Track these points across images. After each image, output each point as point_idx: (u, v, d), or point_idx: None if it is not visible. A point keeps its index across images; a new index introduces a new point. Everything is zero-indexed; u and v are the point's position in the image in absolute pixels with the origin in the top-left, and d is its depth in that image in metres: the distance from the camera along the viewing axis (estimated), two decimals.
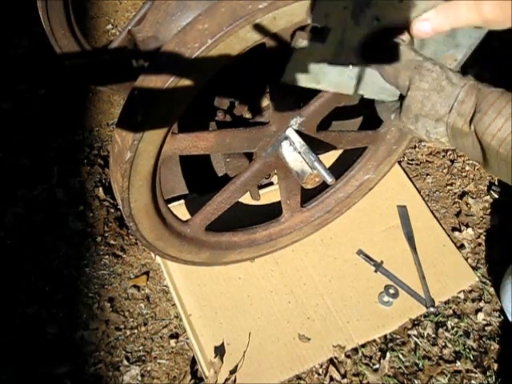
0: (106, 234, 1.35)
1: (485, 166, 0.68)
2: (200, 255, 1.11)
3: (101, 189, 1.41)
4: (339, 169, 1.26)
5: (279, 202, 1.17)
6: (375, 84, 0.78)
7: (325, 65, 0.77)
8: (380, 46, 0.72)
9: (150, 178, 0.87)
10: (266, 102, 1.05)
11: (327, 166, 1.36)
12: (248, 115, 1.06)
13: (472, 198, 1.47)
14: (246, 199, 1.23)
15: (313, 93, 0.98)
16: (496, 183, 1.50)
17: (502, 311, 1.27)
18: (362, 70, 0.77)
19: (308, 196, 1.21)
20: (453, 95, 0.66)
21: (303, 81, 0.80)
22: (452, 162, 1.54)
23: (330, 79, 0.79)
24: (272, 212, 1.21)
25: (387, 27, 0.70)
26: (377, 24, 0.70)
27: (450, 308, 1.27)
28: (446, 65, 0.72)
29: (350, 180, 1.24)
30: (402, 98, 0.71)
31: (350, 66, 0.77)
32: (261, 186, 1.36)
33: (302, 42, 0.73)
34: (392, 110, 0.75)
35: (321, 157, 0.95)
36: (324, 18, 0.70)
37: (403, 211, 1.38)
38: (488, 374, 1.18)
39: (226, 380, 1.12)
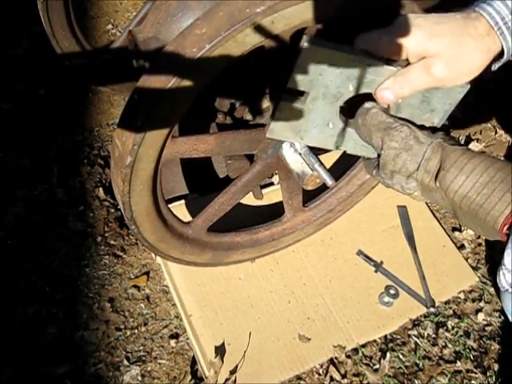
0: (106, 234, 1.35)
1: (456, 218, 0.72)
2: (202, 256, 1.11)
3: (101, 189, 1.41)
4: (341, 168, 1.26)
5: (281, 202, 1.17)
6: (356, 142, 0.83)
7: (307, 123, 0.81)
8: (354, 109, 0.78)
9: (150, 181, 0.87)
10: (266, 103, 1.05)
11: (329, 164, 1.38)
12: (249, 117, 1.06)
13: None
14: (249, 200, 1.23)
15: None
16: None
17: (502, 311, 1.27)
18: (342, 128, 0.82)
19: (310, 195, 1.21)
20: (420, 153, 0.71)
21: (287, 137, 0.85)
22: None
23: (313, 136, 0.83)
24: (274, 212, 1.21)
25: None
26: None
27: (450, 308, 1.27)
28: (427, 125, 0.79)
29: (352, 179, 1.24)
30: (378, 156, 0.76)
31: (330, 125, 0.82)
32: (263, 186, 1.36)
33: (284, 105, 0.79)
34: (373, 166, 0.79)
35: (322, 156, 0.96)
36: (308, 84, 0.76)
37: (403, 211, 1.38)
38: (488, 374, 1.18)
39: (226, 380, 1.12)
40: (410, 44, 0.70)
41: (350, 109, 0.79)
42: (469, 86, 0.76)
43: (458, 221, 0.74)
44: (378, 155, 0.76)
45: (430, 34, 0.69)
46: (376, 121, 0.75)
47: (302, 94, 0.77)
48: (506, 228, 0.65)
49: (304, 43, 0.72)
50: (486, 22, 0.70)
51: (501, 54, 0.73)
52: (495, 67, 0.76)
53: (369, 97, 0.77)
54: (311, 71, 0.75)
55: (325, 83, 0.76)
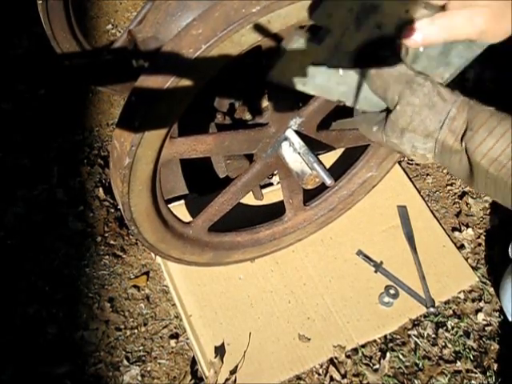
0: (106, 234, 1.35)
1: (470, 182, 0.67)
2: (203, 256, 1.11)
3: (101, 189, 1.41)
4: (342, 167, 1.25)
5: (281, 202, 1.17)
6: (364, 96, 0.76)
7: (314, 67, 0.74)
8: (373, 56, 0.70)
9: (149, 182, 0.87)
10: (265, 102, 1.05)
11: (329, 164, 1.38)
12: (248, 116, 1.06)
13: (472, 198, 1.47)
14: (249, 199, 1.23)
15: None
16: None
17: (501, 311, 1.27)
18: (351, 77, 0.75)
19: (311, 194, 1.21)
20: (444, 111, 0.65)
21: (289, 81, 0.77)
22: None
23: (316, 83, 0.76)
24: (275, 211, 1.21)
25: (386, 36, 0.68)
26: (377, 31, 0.68)
27: (450, 308, 1.27)
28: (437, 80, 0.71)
29: (353, 178, 1.24)
30: (387, 111, 0.70)
31: (340, 72, 0.75)
32: (262, 186, 1.36)
33: (297, 39, 0.70)
34: (374, 123, 0.73)
35: (322, 156, 0.95)
36: (326, 18, 0.67)
37: (403, 211, 1.38)
38: (488, 374, 1.18)
39: (226, 380, 1.12)
40: None
41: (362, 57, 0.71)
42: (488, 43, 0.69)
43: (470, 187, 0.68)
44: (388, 110, 0.70)
45: None
46: (396, 72, 0.67)
47: (320, 32, 0.69)
48: None
49: None
50: None
51: None
52: None
53: (387, 45, 0.68)
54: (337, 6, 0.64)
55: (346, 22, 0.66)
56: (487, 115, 0.64)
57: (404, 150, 0.69)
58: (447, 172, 1.52)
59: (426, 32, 0.64)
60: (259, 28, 0.74)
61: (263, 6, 0.71)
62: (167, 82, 0.74)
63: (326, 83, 0.76)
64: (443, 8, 0.64)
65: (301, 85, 0.77)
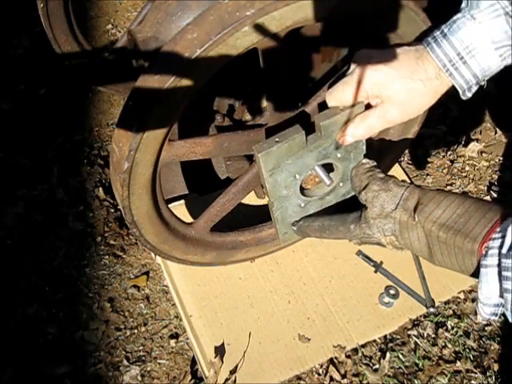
0: (106, 234, 1.35)
1: (431, 258, 0.76)
2: (206, 256, 1.11)
3: (101, 189, 1.41)
4: None
5: None
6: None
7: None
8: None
9: (149, 185, 0.87)
10: (265, 102, 1.05)
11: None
12: (248, 117, 1.06)
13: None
14: (250, 199, 1.23)
15: (311, 92, 0.98)
16: (496, 183, 1.50)
17: None
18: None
19: None
20: (398, 194, 0.77)
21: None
22: (452, 162, 1.54)
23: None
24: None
25: None
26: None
27: (450, 308, 1.27)
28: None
29: None
30: (361, 209, 0.82)
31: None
32: None
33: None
34: (350, 221, 0.83)
35: None
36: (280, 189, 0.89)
37: None
38: (488, 374, 1.18)
39: (226, 380, 1.12)
40: (367, 88, 0.79)
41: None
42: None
43: (433, 263, 0.77)
44: (360, 209, 0.82)
45: (384, 80, 0.78)
46: (363, 169, 0.85)
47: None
48: (484, 247, 0.66)
49: (256, 154, 0.80)
50: (435, 64, 0.77)
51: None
52: (466, 97, 0.81)
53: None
54: (280, 175, 0.85)
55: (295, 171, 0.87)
56: (435, 192, 0.76)
57: (375, 239, 0.80)
58: (447, 172, 1.52)
59: (354, 134, 0.83)
60: (254, 31, 0.74)
61: (257, 9, 0.72)
62: (164, 85, 0.74)
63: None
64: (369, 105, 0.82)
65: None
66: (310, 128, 0.84)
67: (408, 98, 0.79)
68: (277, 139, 0.82)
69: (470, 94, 0.81)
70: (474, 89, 0.80)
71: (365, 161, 0.88)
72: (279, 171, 0.85)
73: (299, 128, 0.83)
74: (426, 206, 0.74)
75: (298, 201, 0.92)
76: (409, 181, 1.44)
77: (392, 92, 0.79)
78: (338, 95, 0.82)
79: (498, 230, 0.66)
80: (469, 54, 0.75)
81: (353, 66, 0.82)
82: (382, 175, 0.82)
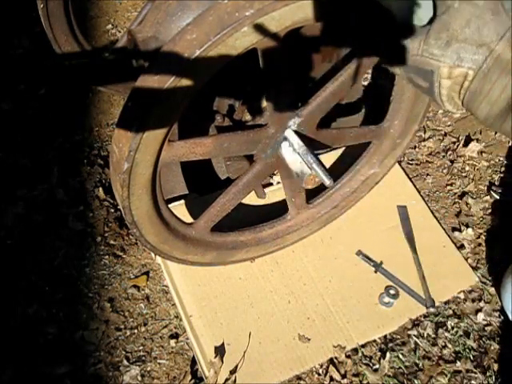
0: (106, 234, 1.35)
1: (502, 120, 0.60)
2: (206, 256, 1.11)
3: (101, 189, 1.41)
4: (344, 164, 1.25)
5: (284, 200, 1.17)
6: None
7: None
8: None
9: (149, 185, 0.87)
10: (265, 103, 1.05)
11: (331, 161, 1.38)
12: (248, 117, 1.06)
13: (472, 198, 1.47)
14: (252, 199, 1.23)
15: (310, 92, 0.98)
16: (496, 183, 1.50)
17: (502, 311, 1.27)
18: None
19: (314, 192, 1.21)
20: (506, 23, 0.57)
21: None
22: (452, 162, 1.54)
23: None
24: (278, 210, 1.21)
25: None
26: None
27: (450, 308, 1.27)
28: None
29: (356, 175, 1.24)
30: (433, 18, 0.61)
31: None
32: (264, 185, 1.36)
33: None
34: (419, 32, 0.62)
35: (324, 154, 0.95)
36: None
37: (403, 211, 1.38)
38: (488, 374, 1.18)
39: (226, 380, 1.12)
40: None
41: None
42: None
43: (495, 128, 0.60)
44: (433, 18, 0.61)
45: None
46: None
47: None
48: None
49: None
50: None
51: None
52: None
53: None
54: None
55: None
56: None
57: (443, 62, 0.61)
58: (447, 172, 1.52)
59: None
60: (253, 31, 0.74)
61: (257, 9, 0.72)
62: (164, 85, 0.74)
63: None
64: None
65: None
66: None
67: None
68: None
69: None
70: None
71: None
72: None
73: None
74: None
75: None
76: (409, 181, 1.44)
77: None
78: None
79: None
80: None
81: None
82: None
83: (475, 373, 1.19)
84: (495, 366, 1.19)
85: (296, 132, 0.97)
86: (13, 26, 1.72)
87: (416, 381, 1.17)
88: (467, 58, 0.59)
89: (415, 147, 1.57)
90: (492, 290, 1.30)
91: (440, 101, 0.66)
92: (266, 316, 1.21)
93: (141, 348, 1.20)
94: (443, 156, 1.56)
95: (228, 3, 0.72)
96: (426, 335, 1.23)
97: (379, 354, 1.20)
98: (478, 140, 1.58)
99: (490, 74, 0.59)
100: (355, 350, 1.19)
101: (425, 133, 1.60)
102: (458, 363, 1.20)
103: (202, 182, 1.32)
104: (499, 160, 1.55)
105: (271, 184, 1.40)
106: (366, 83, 1.67)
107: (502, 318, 1.27)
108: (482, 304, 1.28)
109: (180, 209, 1.28)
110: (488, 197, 1.47)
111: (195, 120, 1.07)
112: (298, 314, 1.21)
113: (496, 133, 1.60)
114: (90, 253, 1.32)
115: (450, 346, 1.22)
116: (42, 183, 1.41)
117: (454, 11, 0.59)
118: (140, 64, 1.01)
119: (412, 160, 1.54)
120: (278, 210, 1.22)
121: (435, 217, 1.39)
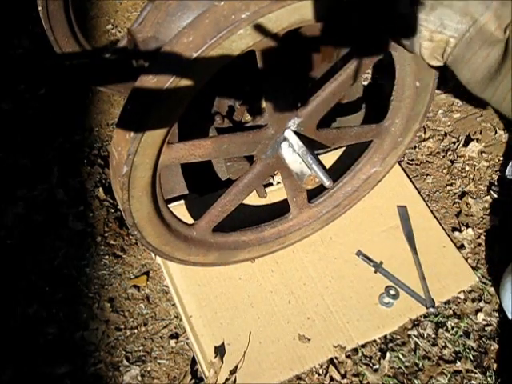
0: (106, 234, 1.35)
1: (485, 85, 0.59)
2: (209, 256, 1.11)
3: (101, 189, 1.41)
4: (345, 163, 1.25)
5: (286, 200, 1.17)
6: None
7: None
8: None
9: (149, 187, 0.87)
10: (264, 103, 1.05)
11: (333, 160, 1.38)
12: (247, 118, 1.06)
13: (472, 198, 1.47)
14: (252, 199, 1.23)
15: (310, 92, 0.98)
16: (496, 183, 1.50)
17: (502, 311, 1.27)
18: None
19: (316, 191, 1.21)
20: None
21: None
22: (452, 162, 1.54)
23: None
24: (280, 210, 1.21)
25: None
26: None
27: (450, 308, 1.27)
28: None
29: (357, 174, 1.23)
30: None
31: None
32: (265, 185, 1.36)
33: None
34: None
35: (325, 154, 0.94)
36: None
37: (403, 211, 1.38)
38: (488, 374, 1.18)
39: (226, 380, 1.12)
40: None
41: None
42: None
43: (480, 93, 0.59)
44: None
45: None
46: None
47: None
48: None
49: None
50: None
51: None
52: None
53: None
54: None
55: None
56: None
57: (425, 26, 0.60)
58: (447, 172, 1.52)
59: None
60: (250, 33, 0.74)
61: (253, 12, 0.72)
62: (162, 87, 0.74)
63: None
64: None
65: None
66: None
67: None
68: None
69: None
70: None
71: None
72: None
73: None
74: None
75: None
76: (409, 181, 1.44)
77: None
78: None
79: None
80: None
81: None
82: None
83: (475, 373, 1.19)
84: (495, 366, 1.19)
85: (296, 132, 0.97)
86: (13, 26, 1.72)
87: (416, 381, 1.17)
88: (450, 26, 0.59)
89: (415, 147, 1.57)
90: (492, 290, 1.30)
91: (422, 58, 0.65)
92: (266, 316, 1.21)
93: (141, 348, 1.20)
94: (443, 156, 1.56)
95: (224, 6, 0.72)
96: (425, 335, 1.23)
97: (379, 354, 1.20)
98: (477, 140, 1.58)
99: (472, 43, 0.58)
100: (355, 350, 1.19)
101: (425, 133, 1.60)
102: (458, 363, 1.20)
103: (202, 183, 1.32)
104: (499, 160, 1.55)
105: (271, 184, 1.40)
106: (366, 83, 1.67)
107: (502, 317, 1.27)
108: (482, 304, 1.28)
109: (180, 209, 1.28)
110: (488, 197, 1.47)
111: (195, 121, 1.07)
112: (298, 314, 1.21)
113: (496, 133, 1.60)
114: (90, 253, 1.32)
115: (450, 346, 1.22)
116: (42, 183, 1.41)
117: None
118: (140, 64, 1.01)
119: (412, 160, 1.54)
120: (279, 210, 1.22)
121: (435, 217, 1.39)
